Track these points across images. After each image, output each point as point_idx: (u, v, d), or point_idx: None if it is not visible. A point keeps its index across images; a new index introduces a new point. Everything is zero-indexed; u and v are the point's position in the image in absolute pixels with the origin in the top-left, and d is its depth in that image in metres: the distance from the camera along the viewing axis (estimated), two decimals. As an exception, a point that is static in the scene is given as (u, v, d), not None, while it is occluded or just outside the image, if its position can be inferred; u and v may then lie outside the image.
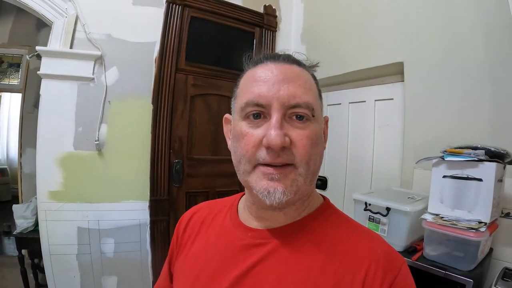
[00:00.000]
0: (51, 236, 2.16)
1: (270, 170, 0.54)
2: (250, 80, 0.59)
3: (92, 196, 2.17)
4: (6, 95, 5.26)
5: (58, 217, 2.14)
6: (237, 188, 2.43)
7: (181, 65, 2.25)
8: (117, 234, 2.20)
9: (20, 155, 3.50)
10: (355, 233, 0.61)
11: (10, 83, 3.72)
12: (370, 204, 1.39)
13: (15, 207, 2.50)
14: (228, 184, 2.41)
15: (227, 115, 0.68)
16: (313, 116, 0.57)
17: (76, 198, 2.15)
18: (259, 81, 0.57)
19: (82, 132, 2.17)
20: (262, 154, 0.54)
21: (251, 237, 0.62)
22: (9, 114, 5.74)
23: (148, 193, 2.18)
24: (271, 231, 0.61)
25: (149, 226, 2.21)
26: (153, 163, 2.20)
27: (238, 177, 0.61)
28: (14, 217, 2.46)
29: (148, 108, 2.21)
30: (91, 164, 2.17)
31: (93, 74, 2.17)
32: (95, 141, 2.16)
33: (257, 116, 0.56)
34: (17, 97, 4.01)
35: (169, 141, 2.24)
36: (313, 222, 0.62)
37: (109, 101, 2.20)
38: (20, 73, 3.77)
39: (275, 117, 0.54)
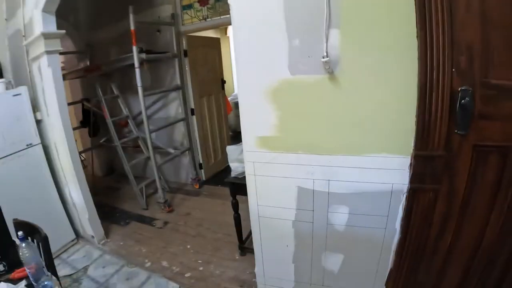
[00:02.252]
0: (262, 195, 1.56)
1: None
2: None
3: (321, 144, 1.39)
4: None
5: (271, 171, 1.48)
6: None
7: None
8: (355, 201, 1.42)
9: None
10: None
11: (225, 16, 2.96)
12: None
13: (229, 148, 2.05)
14: None
15: None
16: None
17: (297, 147, 1.42)
18: None
19: (300, 47, 1.32)
20: None
21: None
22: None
23: (412, 143, 1.33)
24: None
25: (405, 195, 1.40)
26: (423, 92, 1.24)
27: None
28: (228, 160, 2.02)
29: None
30: (318, 95, 1.34)
31: None
32: (323, 58, 1.31)
33: None
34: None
35: (451, 52, 1.24)
36: None
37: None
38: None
39: None
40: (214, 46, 3.68)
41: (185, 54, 3.18)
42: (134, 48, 2.65)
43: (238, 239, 2.25)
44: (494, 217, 1.40)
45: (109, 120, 3.01)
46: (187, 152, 3.36)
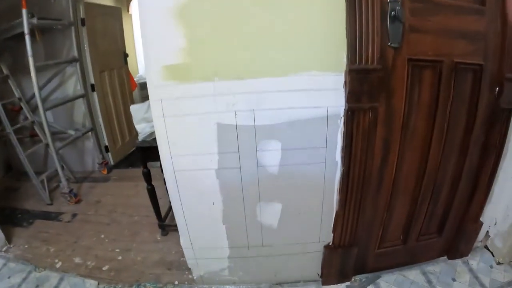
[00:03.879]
0: (175, 142, 1.19)
1: None
2: None
3: (241, 67, 1.09)
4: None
5: (183, 109, 1.13)
6: (481, 61, 1.29)
7: None
8: (286, 133, 1.15)
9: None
10: None
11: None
12: None
13: (133, 108, 1.66)
14: (470, 53, 1.18)
15: None
16: None
17: (213, 73, 1.10)
18: None
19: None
20: None
21: None
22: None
23: (344, 59, 1.11)
24: None
25: (343, 119, 1.19)
26: (353, 1, 1.05)
27: None
28: (134, 122, 1.64)
29: None
30: (235, 8, 1.05)
31: None
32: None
33: None
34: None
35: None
36: None
37: None
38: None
39: None
40: (115, 16, 3.19)
41: (83, 23, 2.67)
42: (24, 12, 2.09)
43: (157, 217, 1.87)
44: (436, 139, 1.25)
45: (-2, 105, 2.35)
46: (90, 134, 2.84)
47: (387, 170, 1.27)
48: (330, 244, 1.41)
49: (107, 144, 3.03)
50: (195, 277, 1.53)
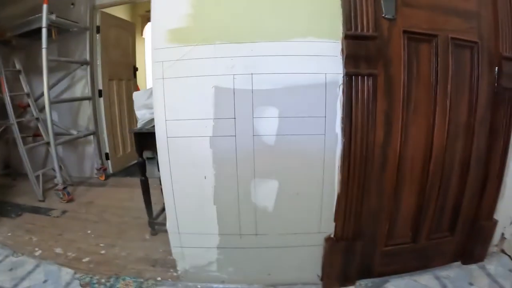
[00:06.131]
0: (172, 106, 1.13)
1: None
2: None
3: (241, 30, 1.08)
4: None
5: (183, 71, 1.09)
6: (476, 39, 1.26)
7: None
8: (283, 99, 1.08)
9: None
10: None
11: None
12: None
13: (136, 94, 1.66)
14: (465, 30, 1.15)
15: None
16: None
17: (214, 36, 1.07)
18: None
19: None
20: None
21: None
22: None
23: (341, 27, 1.08)
24: None
25: (342, 87, 1.12)
26: None
27: None
28: (135, 108, 1.61)
29: None
30: None
31: None
32: None
33: None
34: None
35: None
36: None
37: None
38: None
39: None
40: (129, 30, 3.32)
41: (98, 31, 2.79)
42: (45, 7, 2.19)
43: (148, 213, 1.71)
44: (439, 116, 1.18)
45: (6, 95, 2.35)
46: (92, 138, 2.80)
47: (390, 148, 1.16)
48: (332, 235, 1.23)
49: (108, 151, 2.95)
50: (179, 271, 1.33)
